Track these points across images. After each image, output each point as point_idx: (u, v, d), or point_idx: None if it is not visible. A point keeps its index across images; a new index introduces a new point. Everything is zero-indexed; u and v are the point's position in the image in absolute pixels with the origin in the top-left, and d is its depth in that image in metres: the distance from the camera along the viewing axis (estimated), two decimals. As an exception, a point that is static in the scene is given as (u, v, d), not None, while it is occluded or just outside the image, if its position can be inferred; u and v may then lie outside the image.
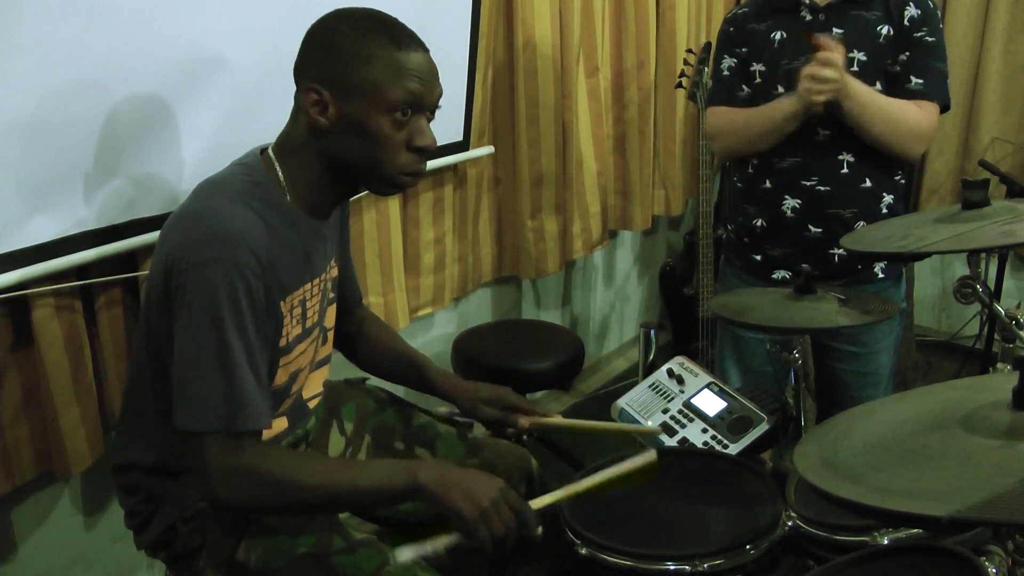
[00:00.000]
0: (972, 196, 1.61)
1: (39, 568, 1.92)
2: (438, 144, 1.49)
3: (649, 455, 1.42)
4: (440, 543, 1.34)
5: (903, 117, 2.02)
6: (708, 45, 3.10)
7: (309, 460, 1.43)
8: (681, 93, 3.27)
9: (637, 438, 1.87)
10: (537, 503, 1.40)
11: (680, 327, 3.43)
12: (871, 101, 1.99)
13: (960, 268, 3.73)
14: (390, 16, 1.40)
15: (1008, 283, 3.11)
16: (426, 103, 1.39)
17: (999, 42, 3.42)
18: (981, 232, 1.52)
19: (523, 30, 2.74)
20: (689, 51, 3.18)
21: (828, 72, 1.92)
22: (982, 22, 3.45)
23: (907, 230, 1.65)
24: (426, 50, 1.40)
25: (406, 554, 1.33)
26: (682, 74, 3.16)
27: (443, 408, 1.79)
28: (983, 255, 1.96)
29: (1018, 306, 1.71)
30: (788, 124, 2.05)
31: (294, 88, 1.41)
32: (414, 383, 1.76)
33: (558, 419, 1.73)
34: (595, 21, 2.99)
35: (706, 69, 3.03)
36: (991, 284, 2.80)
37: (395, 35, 1.36)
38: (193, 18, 1.77)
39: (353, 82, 1.34)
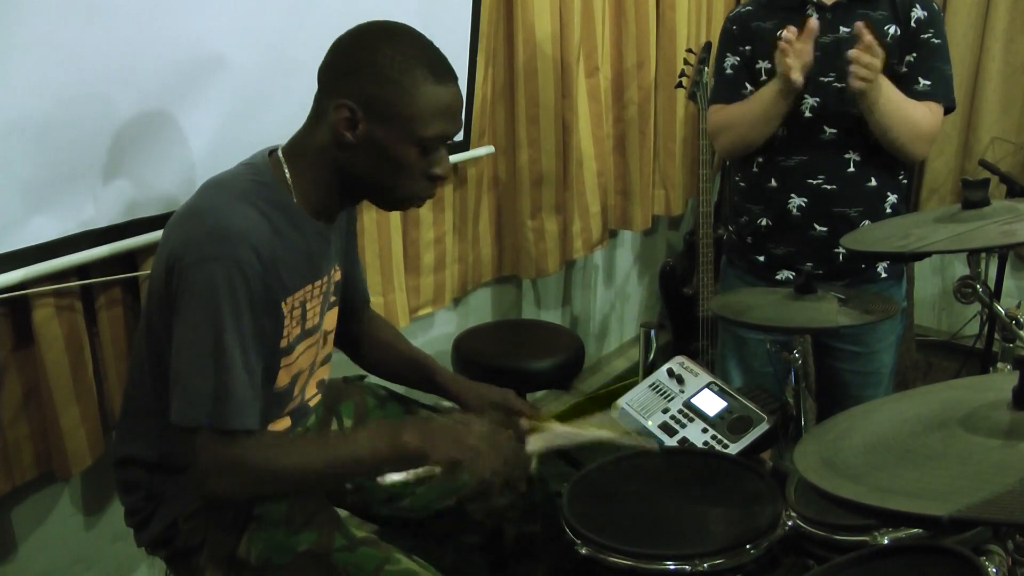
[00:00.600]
0: (972, 196, 1.61)
1: (39, 568, 1.92)
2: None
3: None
4: (425, 471, 1.38)
5: (918, 119, 2.03)
6: (708, 45, 3.09)
7: (289, 444, 1.43)
8: (681, 93, 3.27)
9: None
10: (533, 444, 1.47)
11: (680, 327, 3.43)
12: (897, 101, 1.99)
13: (960, 268, 3.72)
14: (430, 42, 1.40)
15: (1008, 283, 3.11)
16: (452, 136, 1.42)
17: (999, 42, 3.42)
18: (981, 232, 1.52)
19: (523, 30, 2.74)
20: (689, 51, 3.17)
21: (873, 60, 1.90)
22: (982, 22, 3.45)
23: (907, 230, 1.65)
24: (457, 80, 1.41)
25: (392, 477, 1.37)
26: (682, 74, 3.16)
27: (446, 404, 1.80)
28: (983, 255, 1.96)
29: (1018, 306, 1.71)
30: (777, 105, 2.04)
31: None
32: (419, 384, 1.77)
33: (555, 425, 1.73)
34: (595, 21, 2.99)
35: (706, 69, 3.03)
36: (991, 284, 2.80)
37: (436, 69, 1.37)
38: (193, 18, 1.77)
39: (391, 110, 1.34)
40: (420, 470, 1.38)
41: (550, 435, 1.50)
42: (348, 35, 1.40)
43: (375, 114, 1.35)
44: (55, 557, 1.95)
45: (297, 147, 1.43)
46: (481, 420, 1.45)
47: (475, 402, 1.72)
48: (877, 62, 1.91)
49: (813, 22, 1.97)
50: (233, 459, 1.31)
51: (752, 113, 2.10)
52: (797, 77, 1.96)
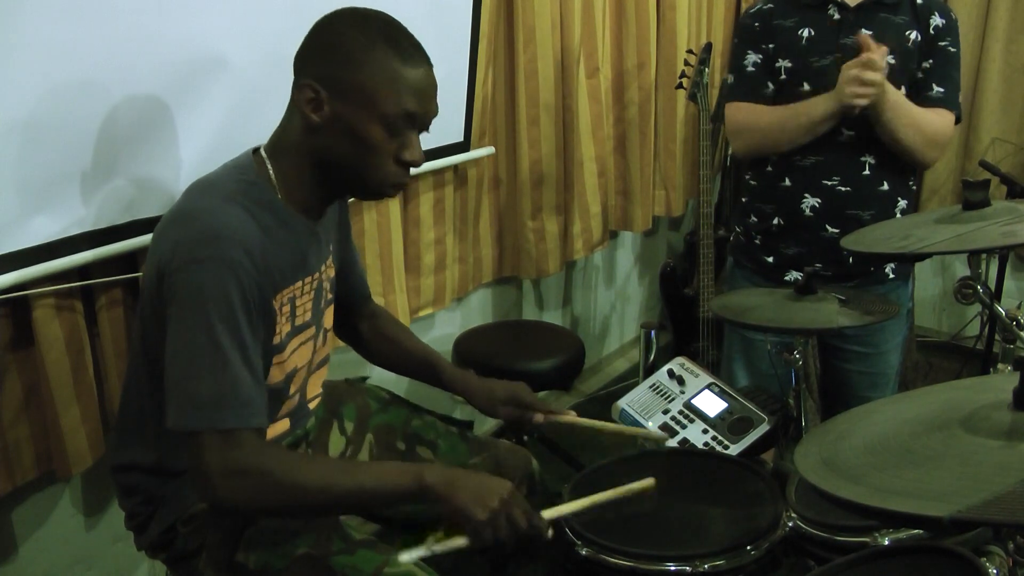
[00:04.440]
0: (973, 196, 1.61)
1: (40, 568, 1.92)
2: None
3: (647, 482, 1.47)
4: (444, 546, 1.35)
5: (928, 125, 2.02)
6: (709, 46, 3.10)
7: (311, 461, 1.43)
8: (681, 93, 3.27)
9: (641, 440, 1.87)
10: (549, 513, 1.41)
11: (681, 328, 3.43)
12: (904, 108, 1.99)
13: (961, 269, 3.73)
14: (400, 25, 1.40)
15: (1008, 283, 3.11)
16: (419, 120, 1.40)
17: (999, 42, 3.42)
18: (982, 232, 1.52)
19: (523, 31, 2.74)
20: (690, 51, 3.17)
21: (871, 75, 1.90)
22: (982, 22, 3.45)
23: (908, 230, 1.65)
24: (430, 65, 1.40)
25: (407, 556, 1.34)
26: (683, 74, 3.16)
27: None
28: (984, 256, 1.96)
29: (1019, 307, 1.71)
30: (824, 124, 2.03)
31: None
32: (426, 380, 1.77)
33: (571, 417, 1.74)
34: (596, 21, 2.99)
35: (706, 70, 3.03)
36: (992, 285, 2.80)
37: (401, 47, 1.36)
38: (193, 18, 1.77)
39: (350, 85, 1.34)
40: (439, 547, 1.35)
41: (566, 505, 1.48)
42: (319, 21, 1.40)
43: (337, 92, 1.34)
44: (56, 557, 1.95)
45: (277, 143, 1.43)
46: (504, 481, 1.39)
47: (484, 399, 1.72)
48: (879, 76, 1.90)
49: (870, 42, 1.93)
50: (243, 464, 1.28)
51: (795, 124, 2.07)
52: (864, 102, 1.94)
